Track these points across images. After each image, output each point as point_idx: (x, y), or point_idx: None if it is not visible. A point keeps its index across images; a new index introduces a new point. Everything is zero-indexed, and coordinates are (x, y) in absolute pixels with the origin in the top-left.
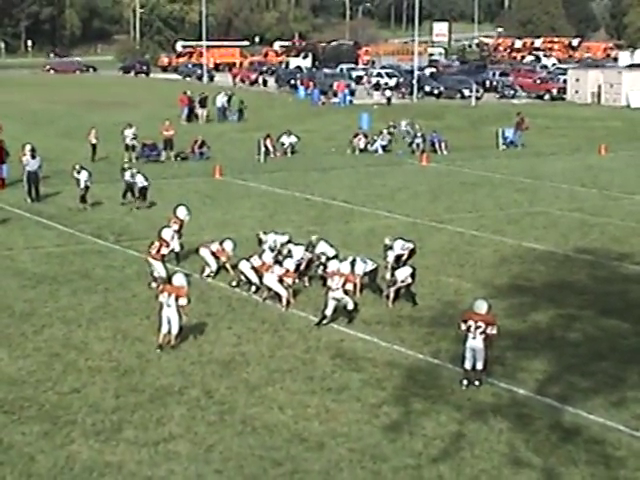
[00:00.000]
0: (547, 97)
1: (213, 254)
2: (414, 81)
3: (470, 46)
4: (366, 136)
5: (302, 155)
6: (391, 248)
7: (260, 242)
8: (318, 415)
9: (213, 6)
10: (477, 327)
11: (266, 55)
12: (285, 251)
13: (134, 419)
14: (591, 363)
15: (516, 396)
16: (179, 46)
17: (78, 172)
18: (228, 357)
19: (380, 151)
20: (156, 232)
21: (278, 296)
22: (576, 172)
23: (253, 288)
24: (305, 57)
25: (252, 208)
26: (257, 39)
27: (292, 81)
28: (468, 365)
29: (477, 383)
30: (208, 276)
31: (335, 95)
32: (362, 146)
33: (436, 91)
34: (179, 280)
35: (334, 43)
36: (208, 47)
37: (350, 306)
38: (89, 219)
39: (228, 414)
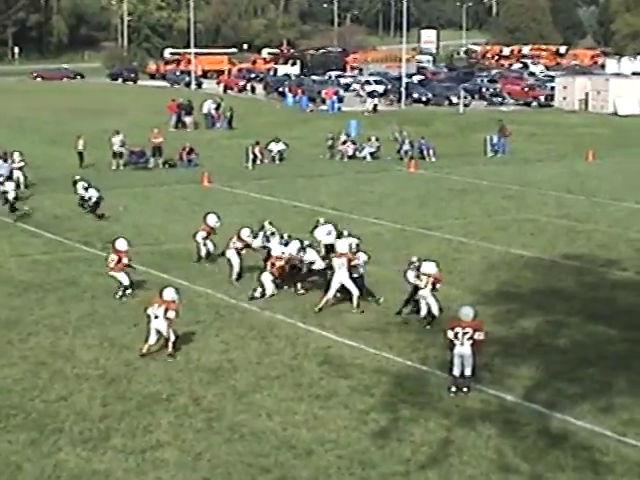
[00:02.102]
0: (535, 104)
1: (238, 253)
2: (402, 88)
3: (458, 53)
4: (354, 143)
5: (290, 162)
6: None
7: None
8: (306, 422)
9: (201, 13)
10: (464, 333)
11: (254, 62)
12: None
13: (121, 427)
14: (579, 369)
15: (504, 402)
16: (167, 53)
17: (86, 189)
18: (216, 364)
19: (368, 158)
20: (143, 239)
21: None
22: (563, 179)
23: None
24: (293, 64)
25: (240, 215)
26: (245, 46)
27: (280, 88)
28: (457, 372)
29: (465, 390)
30: (237, 279)
31: (323, 102)
32: (350, 153)
33: (424, 98)
34: (170, 294)
35: (322, 50)
36: (196, 54)
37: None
38: (76, 226)
39: (216, 421)
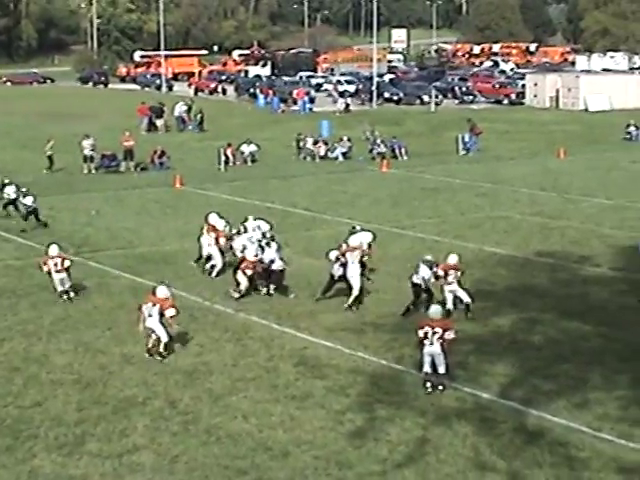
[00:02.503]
0: (506, 102)
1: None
2: (373, 87)
3: (429, 52)
4: (326, 143)
5: (262, 163)
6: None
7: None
8: (282, 423)
9: (171, 15)
10: (434, 333)
11: (225, 64)
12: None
13: (97, 431)
14: (553, 366)
15: (480, 400)
16: (137, 56)
17: (24, 196)
18: (191, 367)
19: (340, 158)
20: (116, 243)
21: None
22: (536, 176)
23: None
24: (264, 65)
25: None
26: (216, 48)
27: (251, 89)
28: (427, 368)
29: (441, 388)
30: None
31: (295, 103)
32: (322, 153)
33: (395, 97)
34: (163, 292)
35: (293, 51)
36: (166, 57)
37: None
38: (49, 231)
39: (192, 424)
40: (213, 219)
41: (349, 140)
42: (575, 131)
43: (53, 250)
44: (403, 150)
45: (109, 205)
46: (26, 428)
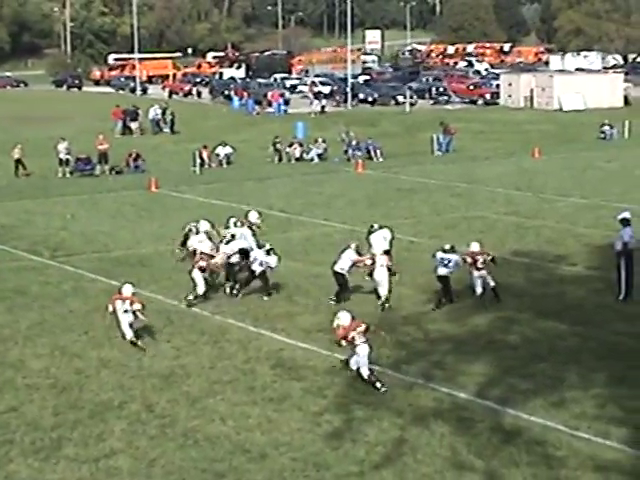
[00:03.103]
0: (480, 102)
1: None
2: (348, 89)
3: (403, 53)
4: (301, 145)
5: (238, 165)
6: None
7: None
8: (260, 425)
9: (145, 18)
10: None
11: (199, 66)
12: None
13: (74, 436)
14: (530, 365)
15: (457, 400)
16: (111, 59)
17: None
18: (168, 370)
19: (316, 159)
20: (91, 246)
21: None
22: (511, 176)
23: None
24: (238, 67)
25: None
26: (190, 50)
27: (226, 92)
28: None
29: (379, 385)
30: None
31: (270, 105)
32: (298, 155)
33: (370, 98)
34: (129, 289)
35: (267, 53)
36: (140, 60)
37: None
38: (23, 235)
39: (169, 427)
40: (253, 217)
41: (324, 141)
42: (550, 131)
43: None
44: (378, 151)
45: (84, 209)
46: (2, 433)
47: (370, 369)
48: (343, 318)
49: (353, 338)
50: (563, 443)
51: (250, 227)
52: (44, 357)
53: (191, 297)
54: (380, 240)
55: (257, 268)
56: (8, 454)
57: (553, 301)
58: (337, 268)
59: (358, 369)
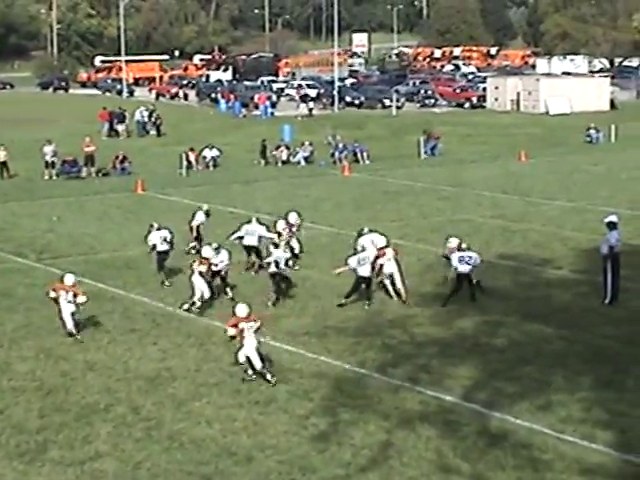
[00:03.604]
0: (467, 105)
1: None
2: (335, 92)
3: (390, 56)
4: (288, 148)
5: (224, 168)
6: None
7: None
8: (246, 428)
9: (131, 21)
10: (249, 328)
11: (186, 69)
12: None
13: (59, 439)
14: (516, 368)
15: (443, 403)
16: (98, 61)
17: None
18: (154, 373)
19: (302, 162)
20: (78, 249)
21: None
22: (497, 179)
23: None
24: (225, 70)
25: (175, 223)
26: (177, 53)
27: (213, 94)
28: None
29: (269, 377)
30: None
31: (256, 107)
32: (284, 158)
33: (357, 101)
34: (71, 279)
35: (254, 55)
36: (127, 62)
37: None
38: (9, 237)
39: (155, 430)
40: (292, 218)
41: (311, 144)
42: (536, 134)
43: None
44: (365, 154)
45: (70, 211)
46: None
47: (262, 360)
48: (239, 309)
49: (242, 330)
50: (549, 446)
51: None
52: (30, 360)
53: (187, 305)
54: (368, 243)
55: (272, 269)
56: None
57: (539, 304)
58: (366, 274)
59: (249, 359)
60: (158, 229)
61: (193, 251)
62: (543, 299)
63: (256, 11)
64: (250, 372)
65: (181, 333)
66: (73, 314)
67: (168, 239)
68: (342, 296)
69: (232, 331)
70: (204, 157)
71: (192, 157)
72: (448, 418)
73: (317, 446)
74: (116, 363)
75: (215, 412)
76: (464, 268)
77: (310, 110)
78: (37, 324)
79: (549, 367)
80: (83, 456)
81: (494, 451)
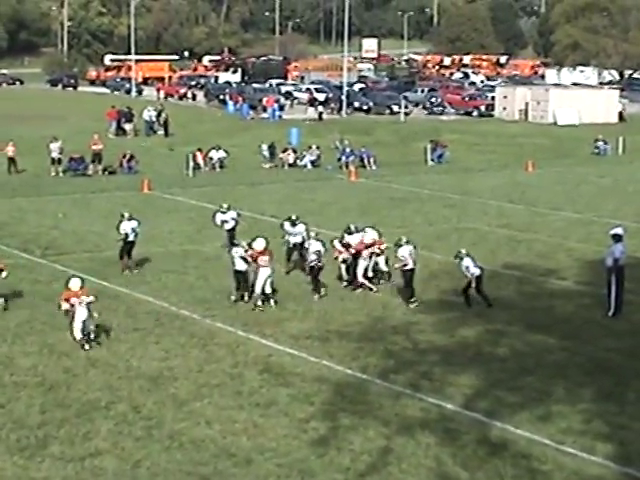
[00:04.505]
0: (475, 114)
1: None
2: (343, 96)
3: (399, 62)
4: (295, 151)
5: (231, 170)
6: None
7: None
8: (246, 430)
9: (142, 20)
10: (80, 302)
11: (195, 69)
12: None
13: (60, 434)
14: (518, 378)
15: (444, 411)
16: (107, 60)
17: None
18: (156, 372)
19: (309, 166)
20: (82, 246)
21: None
22: (504, 188)
23: None
24: (234, 72)
25: (180, 223)
26: (186, 53)
27: (221, 96)
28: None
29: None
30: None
31: (264, 110)
32: (291, 161)
33: (365, 107)
34: (77, 283)
35: (263, 58)
36: (137, 61)
37: None
38: (15, 232)
39: (155, 429)
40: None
41: (318, 148)
42: (544, 144)
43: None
44: (372, 160)
45: (76, 208)
46: None
47: (85, 332)
48: (73, 284)
49: (73, 304)
50: (549, 457)
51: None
52: (32, 355)
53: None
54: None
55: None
56: None
57: (542, 315)
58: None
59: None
60: (129, 219)
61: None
62: (546, 310)
63: (267, 14)
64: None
65: (184, 333)
66: (84, 322)
67: (137, 230)
68: (345, 300)
69: (65, 305)
70: (211, 158)
71: (199, 158)
72: (448, 426)
73: (317, 450)
74: (118, 361)
75: (216, 413)
76: (479, 271)
77: (320, 114)
78: (41, 320)
79: (550, 378)
80: (83, 452)
81: (493, 460)
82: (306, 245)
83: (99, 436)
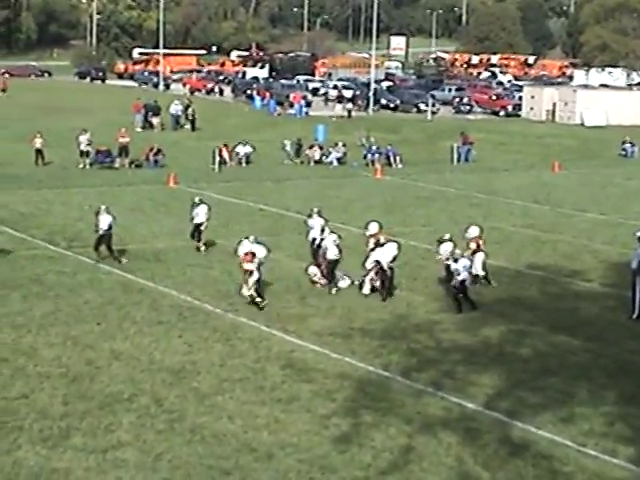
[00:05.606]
0: (502, 113)
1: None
2: (371, 94)
3: (427, 60)
4: (321, 148)
5: (257, 165)
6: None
7: None
8: (267, 425)
9: (171, 14)
10: None
11: (223, 64)
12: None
13: (82, 426)
14: (540, 379)
15: (465, 410)
16: (136, 53)
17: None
18: (178, 365)
19: (335, 163)
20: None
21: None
22: (530, 189)
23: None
24: (262, 67)
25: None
26: (214, 48)
27: (248, 91)
28: None
29: None
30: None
31: (291, 106)
32: (317, 157)
33: (392, 105)
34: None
35: (291, 54)
36: (165, 55)
37: None
38: (41, 224)
39: (177, 422)
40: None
41: (344, 145)
42: (570, 145)
43: None
44: (397, 157)
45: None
46: (11, 420)
47: None
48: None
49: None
50: (570, 459)
51: None
52: (56, 346)
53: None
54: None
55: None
56: (17, 441)
57: (566, 316)
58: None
59: None
60: (107, 212)
61: None
62: (570, 311)
63: (295, 10)
64: None
65: (207, 327)
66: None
67: (113, 224)
68: (369, 297)
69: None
70: (237, 153)
71: (225, 153)
72: (470, 425)
73: (338, 447)
74: (142, 354)
75: (238, 408)
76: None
77: (349, 111)
78: (65, 311)
79: (573, 379)
80: (105, 444)
81: (515, 461)
82: (322, 237)
83: (121, 428)
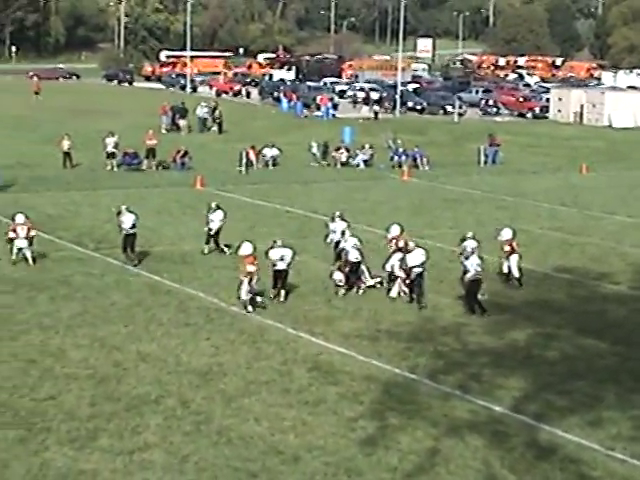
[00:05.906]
0: (530, 115)
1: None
2: (397, 96)
3: (454, 63)
4: (348, 150)
5: (284, 167)
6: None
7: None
8: (294, 428)
9: (198, 17)
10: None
11: (250, 67)
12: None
13: (109, 427)
14: (568, 382)
15: (492, 413)
16: (163, 56)
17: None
18: (205, 367)
19: (362, 165)
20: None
21: None
22: (557, 191)
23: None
24: (289, 69)
25: (233, 219)
26: (241, 51)
27: (275, 93)
28: None
29: None
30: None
31: (318, 108)
32: (344, 160)
33: (419, 107)
34: (22, 217)
35: (318, 56)
36: (192, 57)
37: None
38: (69, 225)
39: (204, 424)
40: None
41: (371, 147)
42: (598, 147)
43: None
44: (425, 160)
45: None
46: (40, 421)
47: None
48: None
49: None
50: (598, 463)
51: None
52: (84, 348)
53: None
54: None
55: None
56: (44, 442)
57: (594, 319)
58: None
59: None
60: (129, 211)
61: None
62: (598, 314)
63: (322, 12)
64: None
65: (234, 329)
66: (21, 249)
67: (136, 222)
68: (396, 300)
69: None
70: (264, 155)
71: (252, 155)
72: (497, 428)
73: (364, 449)
74: (168, 356)
75: (264, 410)
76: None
77: (376, 114)
78: (92, 313)
79: (601, 383)
80: (132, 446)
81: (542, 464)
82: (343, 241)
83: (148, 430)
